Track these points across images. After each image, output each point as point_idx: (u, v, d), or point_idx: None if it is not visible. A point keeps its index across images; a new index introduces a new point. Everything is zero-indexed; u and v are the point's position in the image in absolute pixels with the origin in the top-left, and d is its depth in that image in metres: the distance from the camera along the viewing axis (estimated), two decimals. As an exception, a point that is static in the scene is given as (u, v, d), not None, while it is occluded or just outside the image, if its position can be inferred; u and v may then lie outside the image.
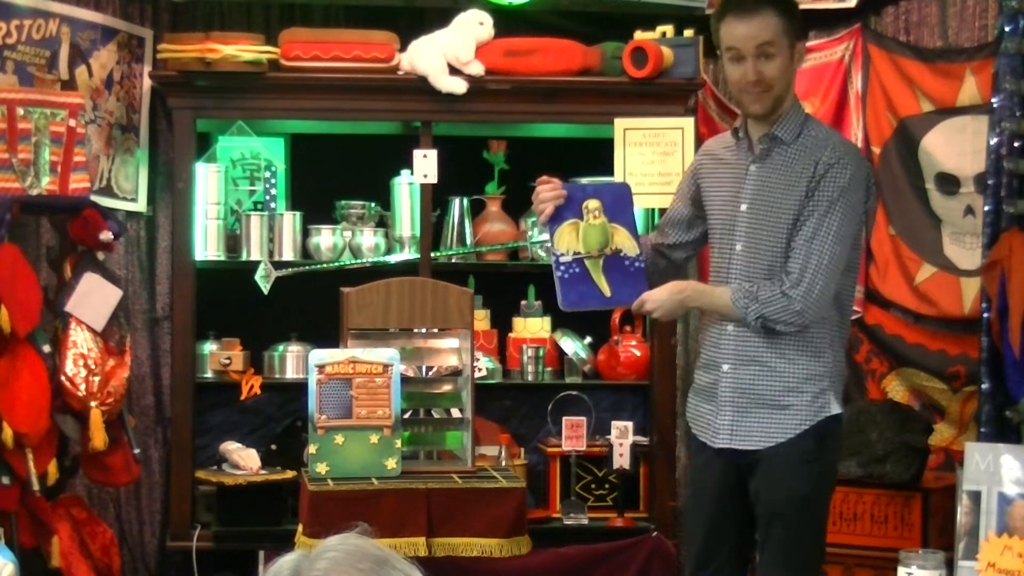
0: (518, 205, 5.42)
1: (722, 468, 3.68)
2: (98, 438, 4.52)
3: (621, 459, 5.13)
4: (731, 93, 3.71)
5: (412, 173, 5.17)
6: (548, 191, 3.72)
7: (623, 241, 3.73)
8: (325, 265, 5.22)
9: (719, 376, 3.67)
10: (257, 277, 5.06)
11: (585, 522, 5.17)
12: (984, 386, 4.30)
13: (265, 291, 5.06)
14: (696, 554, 3.77)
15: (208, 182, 5.21)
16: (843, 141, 3.70)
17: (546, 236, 3.90)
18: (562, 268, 3.71)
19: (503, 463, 4.94)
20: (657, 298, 3.68)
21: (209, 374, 5.22)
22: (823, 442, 3.62)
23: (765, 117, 3.62)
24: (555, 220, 3.72)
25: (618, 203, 3.75)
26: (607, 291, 3.73)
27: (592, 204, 3.73)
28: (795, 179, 3.56)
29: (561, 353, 5.45)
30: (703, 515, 3.75)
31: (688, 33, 5.16)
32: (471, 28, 5.08)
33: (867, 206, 3.66)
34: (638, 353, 5.37)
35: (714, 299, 3.66)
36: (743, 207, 3.62)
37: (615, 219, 3.74)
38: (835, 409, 3.64)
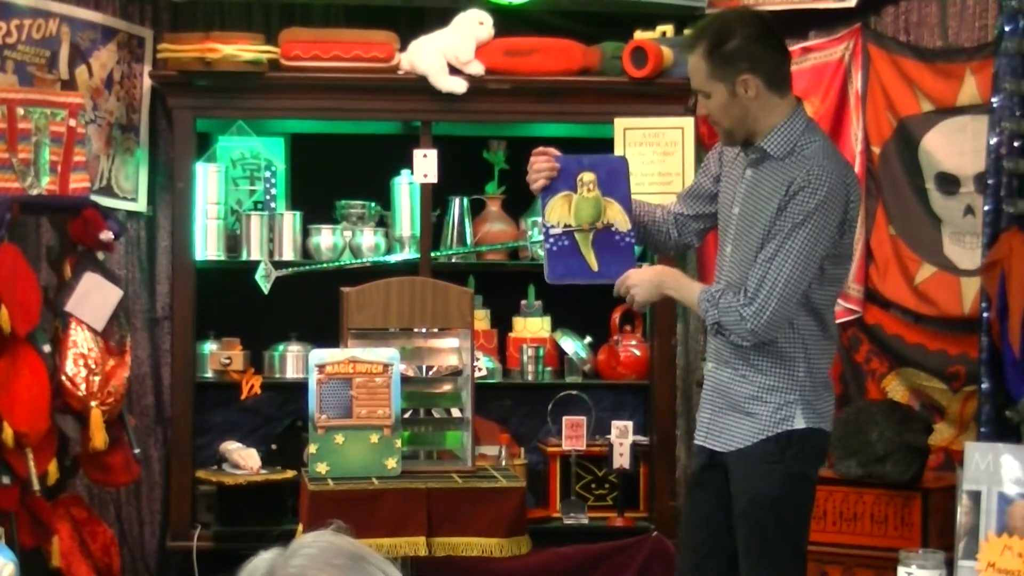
0: (518, 205, 5.42)
1: (712, 466, 3.68)
2: (98, 438, 4.52)
3: (621, 459, 5.13)
4: None
5: (412, 173, 5.17)
6: (542, 163, 3.70)
7: (616, 216, 3.68)
8: (325, 265, 5.22)
9: (706, 375, 3.71)
10: (257, 277, 5.06)
11: (585, 522, 5.17)
12: (984, 386, 4.30)
13: (265, 291, 5.06)
14: (691, 550, 3.76)
15: (208, 182, 5.21)
16: (822, 163, 3.51)
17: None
18: (551, 240, 3.68)
19: (503, 463, 4.94)
20: (640, 278, 3.65)
21: (209, 374, 5.22)
22: (786, 448, 3.55)
23: (733, 145, 3.63)
24: (548, 192, 3.68)
25: (614, 177, 3.70)
26: (595, 265, 3.69)
27: (587, 177, 3.69)
28: (772, 193, 3.53)
29: (561, 353, 5.45)
30: (697, 514, 3.74)
31: (688, 33, 5.15)
32: (471, 28, 5.09)
33: (848, 218, 3.54)
34: (638, 353, 5.37)
35: (685, 292, 3.64)
36: (736, 210, 3.61)
37: (610, 193, 3.69)
38: (799, 423, 3.54)
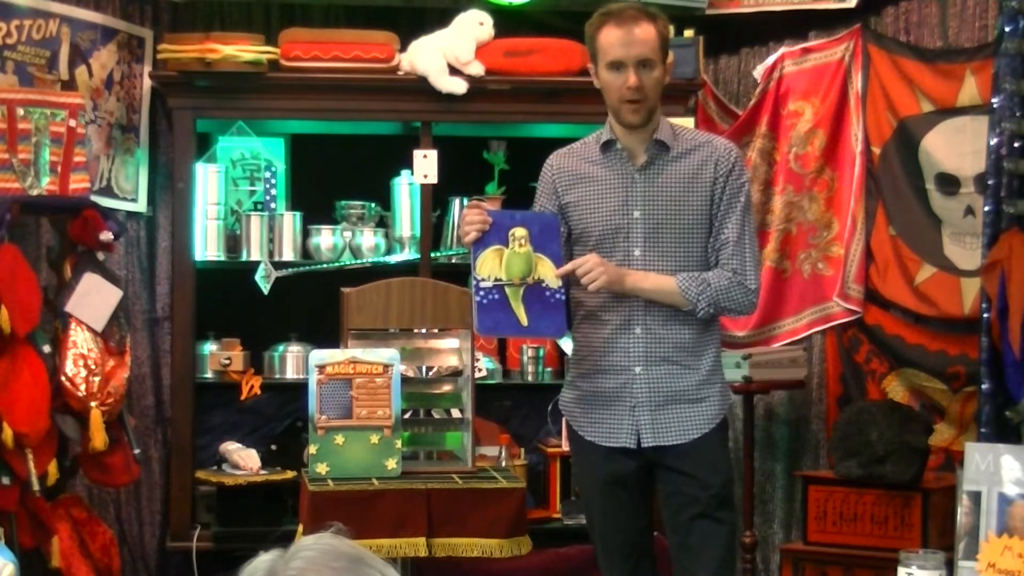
0: (518, 206, 5.40)
1: (635, 467, 3.71)
2: (98, 438, 4.51)
3: (621, 459, 5.12)
4: (608, 103, 3.73)
5: (412, 173, 5.17)
6: (474, 216, 3.71)
7: (546, 272, 3.70)
8: (325, 265, 5.22)
9: (630, 378, 3.69)
10: (257, 277, 5.06)
11: (585, 522, 5.16)
12: (984, 386, 4.29)
13: (265, 291, 5.07)
14: (620, 554, 3.78)
15: (208, 182, 5.21)
16: (723, 140, 3.85)
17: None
18: (481, 293, 3.69)
19: (503, 463, 4.94)
20: (605, 264, 3.64)
21: (209, 374, 5.22)
22: (728, 428, 3.84)
23: (641, 127, 3.68)
24: (480, 245, 3.70)
25: (545, 234, 3.72)
26: (524, 320, 3.71)
27: (519, 232, 3.71)
28: (690, 180, 3.66)
29: (561, 353, 5.45)
30: (622, 517, 3.77)
31: (688, 33, 5.16)
32: (471, 28, 5.09)
33: None
34: (638, 353, 5.36)
35: (650, 283, 3.65)
36: (636, 214, 3.67)
37: (541, 249, 3.71)
38: (731, 395, 3.89)
